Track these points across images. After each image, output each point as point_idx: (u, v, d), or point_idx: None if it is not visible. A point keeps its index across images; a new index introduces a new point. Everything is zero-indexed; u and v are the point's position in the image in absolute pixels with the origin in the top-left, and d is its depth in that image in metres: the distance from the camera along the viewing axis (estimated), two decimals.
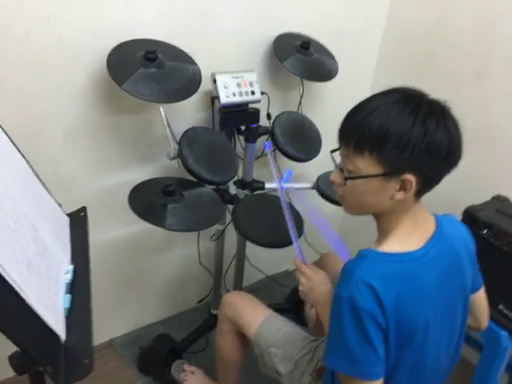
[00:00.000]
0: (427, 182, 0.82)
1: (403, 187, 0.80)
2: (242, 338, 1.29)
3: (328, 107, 1.83)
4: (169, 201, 1.17)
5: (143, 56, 1.20)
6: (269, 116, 1.59)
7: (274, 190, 1.65)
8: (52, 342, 0.75)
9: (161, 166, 1.53)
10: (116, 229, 1.57)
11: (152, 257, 1.72)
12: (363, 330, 0.79)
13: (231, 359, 1.33)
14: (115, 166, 1.45)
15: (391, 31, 1.83)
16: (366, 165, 0.80)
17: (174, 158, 1.30)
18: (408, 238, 0.86)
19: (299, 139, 1.56)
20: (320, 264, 1.51)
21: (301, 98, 1.67)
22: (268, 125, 1.58)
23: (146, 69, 1.20)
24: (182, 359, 1.60)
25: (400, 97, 0.80)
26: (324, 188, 1.61)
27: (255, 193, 1.54)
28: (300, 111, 1.68)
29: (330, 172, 1.60)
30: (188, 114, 1.49)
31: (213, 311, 1.84)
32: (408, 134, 0.76)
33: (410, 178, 0.78)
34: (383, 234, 0.88)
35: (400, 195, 0.81)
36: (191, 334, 1.76)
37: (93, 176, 1.42)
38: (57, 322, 0.77)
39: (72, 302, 0.84)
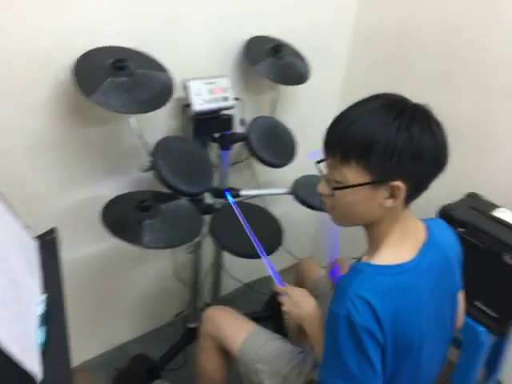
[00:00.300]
0: (416, 188, 0.80)
1: (392, 194, 0.79)
2: (225, 354, 1.25)
3: (301, 110, 1.81)
4: (144, 216, 1.11)
5: (112, 65, 1.13)
6: (242, 122, 1.55)
7: (250, 197, 1.61)
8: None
9: (133, 178, 1.46)
10: (86, 246, 1.49)
11: (125, 273, 1.64)
12: (361, 347, 0.77)
13: (214, 377, 1.27)
14: (85, 180, 1.37)
15: (360, 32, 1.83)
16: (353, 174, 0.78)
17: (147, 170, 1.24)
18: (400, 247, 0.84)
19: (275, 144, 1.53)
20: (297, 270, 1.49)
21: (274, 102, 1.64)
22: (242, 131, 1.54)
23: (115, 78, 1.13)
24: (161, 379, 1.54)
25: (383, 103, 0.78)
26: (301, 193, 1.58)
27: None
28: (273, 115, 1.65)
29: (306, 176, 1.63)
30: (159, 122, 1.43)
31: (190, 325, 1.77)
32: (393, 141, 0.75)
33: (399, 184, 0.77)
34: (374, 244, 0.86)
35: (389, 203, 0.79)
36: (169, 351, 1.70)
37: (61, 192, 1.34)
38: (31, 361, 0.70)
39: (47, 333, 0.77)
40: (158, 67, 1.23)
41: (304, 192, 1.57)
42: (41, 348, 0.74)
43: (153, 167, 1.22)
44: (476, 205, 1.44)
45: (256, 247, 1.06)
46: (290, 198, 1.63)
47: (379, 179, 0.77)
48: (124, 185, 1.45)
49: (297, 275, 1.47)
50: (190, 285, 1.66)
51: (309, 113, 1.85)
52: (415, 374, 0.89)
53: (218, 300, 1.80)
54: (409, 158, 0.75)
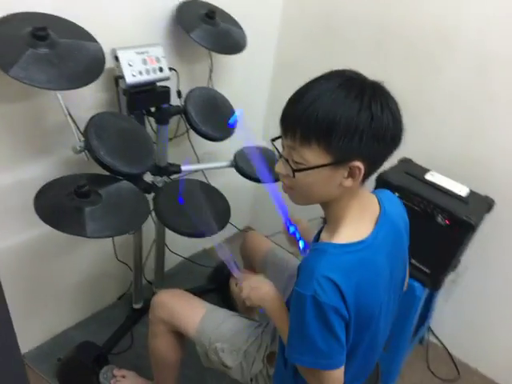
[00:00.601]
0: (373, 166, 0.81)
1: (351, 174, 0.79)
2: (179, 335, 1.22)
3: (236, 80, 1.75)
4: (85, 203, 1.02)
5: (30, 34, 1.00)
6: (179, 94, 1.47)
7: (191, 172, 1.56)
8: None
9: (61, 159, 1.34)
10: (15, 234, 1.36)
11: (60, 258, 1.53)
12: (327, 324, 0.79)
13: (169, 359, 1.25)
14: (5, 163, 1.23)
15: (292, 1, 1.78)
16: (313, 155, 0.77)
17: (80, 151, 1.13)
18: (358, 224, 0.86)
19: (214, 117, 1.47)
20: (244, 244, 1.49)
21: (210, 72, 1.57)
22: (179, 103, 1.46)
23: (36, 49, 1.00)
24: (109, 364, 1.49)
25: (341, 81, 0.76)
26: (242, 165, 1.55)
27: (173, 178, 1.43)
28: (210, 86, 1.59)
29: (246, 148, 1.61)
30: (87, 97, 1.30)
31: (135, 306, 1.72)
32: (355, 121, 0.74)
33: (359, 164, 0.77)
34: (333, 223, 0.87)
35: (348, 182, 0.80)
36: (114, 334, 1.64)
37: None
38: None
39: None
40: (85, 36, 1.11)
41: (245, 164, 1.55)
42: None
43: (87, 148, 1.12)
44: (409, 170, 1.51)
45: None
46: (228, 169, 1.60)
47: (339, 160, 0.76)
48: (51, 167, 1.32)
49: (244, 249, 1.47)
50: (135, 264, 1.59)
51: (243, 83, 1.80)
52: (374, 341, 0.93)
53: (162, 277, 1.75)
54: (370, 138, 0.75)
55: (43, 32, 1.00)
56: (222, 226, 1.28)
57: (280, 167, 0.84)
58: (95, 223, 0.98)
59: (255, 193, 2.27)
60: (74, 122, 1.14)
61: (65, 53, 1.03)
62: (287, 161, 0.81)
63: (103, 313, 1.79)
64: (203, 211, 1.33)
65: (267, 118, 2.04)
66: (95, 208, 1.02)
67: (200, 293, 1.47)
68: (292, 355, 0.86)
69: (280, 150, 0.85)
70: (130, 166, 1.15)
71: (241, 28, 1.54)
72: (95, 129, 1.13)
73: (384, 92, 0.78)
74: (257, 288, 1.02)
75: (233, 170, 1.56)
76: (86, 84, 1.05)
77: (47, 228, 1.40)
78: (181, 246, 1.98)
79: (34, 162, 1.27)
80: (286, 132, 0.80)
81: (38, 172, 1.28)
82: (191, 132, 1.48)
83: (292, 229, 1.15)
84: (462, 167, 1.52)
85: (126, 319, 1.71)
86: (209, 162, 1.71)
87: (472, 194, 1.44)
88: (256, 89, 1.93)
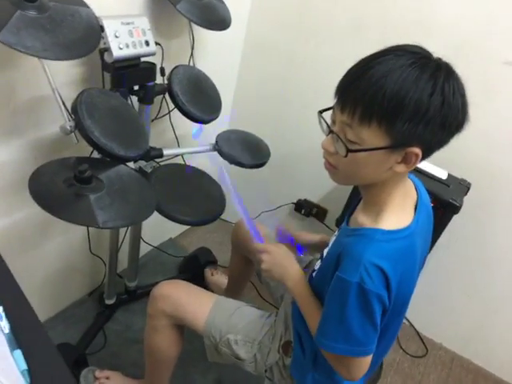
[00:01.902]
0: (428, 154, 0.76)
1: (406, 160, 0.75)
2: (180, 329, 1.15)
3: (210, 57, 1.65)
4: (87, 190, 0.90)
5: None
6: (162, 71, 1.36)
7: (174, 156, 1.46)
8: None
9: (32, 140, 1.18)
10: None
11: (24, 253, 1.36)
12: (369, 312, 0.77)
13: (169, 355, 1.18)
14: None
15: None
16: (371, 136, 0.72)
17: (71, 132, 1.00)
18: (402, 210, 0.84)
19: (200, 97, 1.38)
20: (235, 234, 1.44)
21: (192, 48, 1.47)
22: (162, 82, 1.35)
23: (24, 11, 0.85)
24: (89, 366, 1.37)
25: (414, 59, 0.70)
26: (225, 149, 1.48)
27: (162, 163, 1.32)
28: (192, 63, 1.49)
29: (228, 131, 1.54)
30: (63, 70, 1.16)
31: (107, 301, 1.60)
32: (426, 105, 0.68)
33: (417, 151, 0.73)
34: (375, 206, 0.83)
35: (400, 168, 0.76)
36: (87, 333, 1.52)
37: None
38: None
39: (26, 358, 0.58)
40: (75, 0, 0.97)
41: (228, 148, 1.48)
42: (26, 379, 0.56)
43: (79, 128, 0.99)
44: None
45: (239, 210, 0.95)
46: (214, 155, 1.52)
47: (398, 144, 0.72)
48: (21, 149, 1.16)
49: (235, 237, 1.41)
50: (110, 257, 1.46)
51: (215, 60, 1.71)
52: (399, 326, 0.94)
53: (137, 270, 1.64)
54: (437, 125, 0.70)
55: None
56: (220, 211, 1.22)
57: (328, 144, 0.78)
58: (104, 212, 0.87)
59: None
60: (61, 98, 1.00)
61: (57, 18, 0.90)
62: (338, 138, 0.76)
63: (69, 310, 1.63)
64: (199, 197, 1.25)
65: (236, 94, 1.97)
66: (100, 195, 0.91)
67: None
68: (324, 342, 0.83)
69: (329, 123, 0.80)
70: (126, 148, 1.04)
71: (223, 2, 1.45)
72: (86, 107, 1.00)
73: (455, 75, 0.73)
74: (280, 265, 0.97)
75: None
76: (85, 54, 0.92)
77: (11, 220, 1.25)
78: (148, 235, 1.86)
79: (2, 144, 1.11)
80: (343, 107, 0.73)
81: (7, 155, 1.12)
82: (177, 115, 1.38)
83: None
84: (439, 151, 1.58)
85: (97, 316, 1.58)
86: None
87: (450, 177, 1.51)
88: (227, 67, 1.85)
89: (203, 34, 1.55)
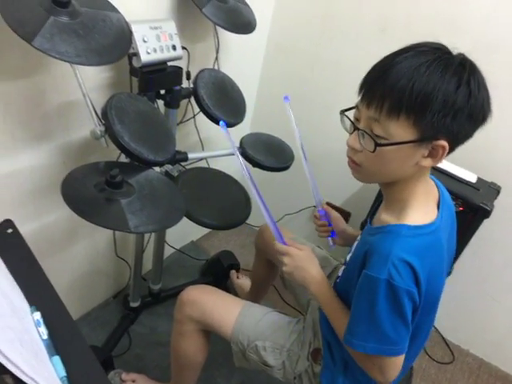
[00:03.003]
0: (454, 147, 0.77)
1: (432, 153, 0.75)
2: (207, 335, 1.15)
3: (233, 59, 1.65)
4: (118, 195, 0.91)
5: None
6: (188, 75, 1.36)
7: (198, 160, 1.46)
8: None
9: (61, 144, 1.19)
10: None
11: (52, 256, 1.38)
12: (400, 309, 0.76)
13: (195, 361, 1.17)
14: (1, 150, 1.07)
15: None
16: (399, 130, 0.72)
17: (101, 137, 1.01)
18: (426, 206, 0.83)
19: (225, 101, 1.38)
20: (259, 238, 1.43)
21: (216, 52, 1.47)
22: (188, 85, 1.35)
23: (57, 17, 0.86)
24: (115, 369, 1.37)
25: (439, 54, 0.72)
26: (249, 152, 1.48)
27: (188, 167, 1.33)
28: (216, 67, 1.49)
29: (252, 134, 1.53)
30: (92, 74, 1.16)
31: (132, 304, 1.60)
32: (453, 97, 0.69)
33: (444, 144, 0.73)
34: (397, 204, 0.83)
35: (427, 162, 0.76)
36: (112, 335, 1.52)
37: None
38: None
39: (65, 364, 0.58)
40: (105, 5, 0.98)
41: (252, 151, 1.48)
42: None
43: (109, 133, 0.99)
44: None
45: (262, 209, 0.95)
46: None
47: (426, 137, 0.72)
48: (51, 153, 1.18)
49: (259, 241, 1.41)
50: (135, 260, 1.47)
51: (239, 62, 1.70)
52: (430, 325, 0.92)
53: (161, 273, 1.64)
54: (465, 116, 0.71)
55: None
56: (246, 215, 1.21)
57: (354, 141, 0.79)
58: (136, 217, 0.87)
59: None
60: (91, 103, 1.00)
61: (89, 23, 0.90)
62: (365, 134, 0.76)
63: (94, 312, 1.65)
64: (225, 201, 1.25)
65: (259, 95, 1.97)
66: (131, 200, 0.91)
67: None
68: (355, 342, 0.81)
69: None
70: (154, 153, 1.04)
71: (248, 5, 1.45)
72: (116, 112, 1.01)
73: (478, 71, 0.74)
74: (302, 268, 0.96)
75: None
76: (116, 59, 0.92)
77: (40, 223, 1.26)
78: (170, 238, 1.87)
79: (31, 149, 1.12)
80: (370, 102, 0.74)
81: (37, 159, 1.14)
82: (203, 119, 1.38)
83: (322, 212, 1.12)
84: (467, 154, 1.55)
85: (122, 319, 1.59)
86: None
87: (480, 180, 1.48)
88: (249, 69, 1.85)
89: (227, 37, 1.55)
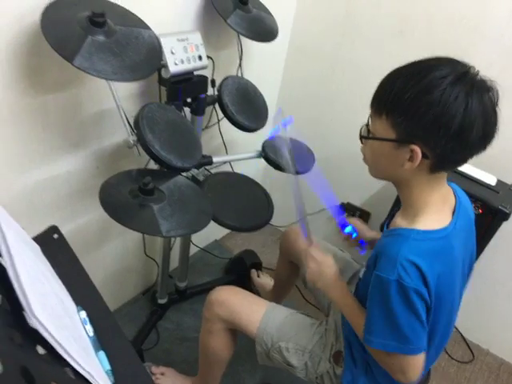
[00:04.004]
0: (439, 159, 0.79)
1: (412, 158, 0.80)
2: (233, 332, 1.21)
3: (255, 64, 1.70)
4: (150, 201, 0.97)
5: (88, 19, 0.92)
6: (213, 83, 1.42)
7: (222, 163, 1.52)
8: None
9: (95, 151, 1.27)
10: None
11: (87, 254, 1.46)
12: (412, 308, 0.80)
13: (221, 357, 1.24)
14: (41, 157, 1.15)
15: None
16: (381, 127, 0.81)
17: (134, 145, 1.08)
18: (439, 213, 0.87)
19: (248, 107, 1.44)
20: (284, 241, 1.48)
21: (240, 59, 1.52)
22: (213, 93, 1.41)
23: (94, 36, 0.93)
24: (145, 362, 1.45)
25: (446, 70, 0.75)
26: (271, 155, 1.53)
27: (213, 171, 1.39)
28: (240, 74, 1.54)
29: (274, 138, 1.58)
30: (123, 85, 1.23)
31: (160, 301, 1.68)
32: (423, 106, 0.74)
33: (416, 148, 0.78)
34: (411, 209, 0.87)
35: (408, 165, 0.81)
36: (142, 330, 1.60)
37: (17, 173, 1.11)
38: None
39: (109, 359, 0.65)
40: (138, 23, 1.04)
41: (274, 154, 1.53)
42: (110, 379, 0.62)
43: (141, 142, 1.06)
44: None
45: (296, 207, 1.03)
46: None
47: (401, 139, 0.79)
48: (86, 159, 1.25)
49: (284, 246, 1.46)
50: (163, 259, 1.55)
51: (260, 67, 1.75)
52: (447, 330, 0.96)
53: (187, 271, 1.72)
54: (429, 123, 0.75)
55: (101, 18, 0.93)
56: (269, 218, 1.27)
57: (360, 134, 0.89)
58: (166, 222, 0.94)
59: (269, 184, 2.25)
60: (124, 114, 1.07)
61: (123, 41, 0.97)
62: (365, 128, 0.86)
63: (124, 308, 1.73)
64: (249, 204, 1.31)
65: (280, 98, 2.01)
66: (162, 206, 0.97)
67: (221, 285, 1.45)
68: (374, 340, 0.86)
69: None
70: (182, 160, 1.11)
71: (271, 14, 1.50)
72: (147, 121, 1.07)
73: (485, 98, 0.76)
74: (325, 275, 1.01)
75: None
76: (148, 75, 0.99)
77: (75, 224, 1.34)
78: (195, 238, 1.94)
79: (68, 156, 1.20)
80: (372, 100, 0.84)
81: (73, 164, 1.22)
82: (226, 124, 1.43)
83: (349, 228, 1.16)
84: (487, 157, 1.56)
85: (150, 314, 1.67)
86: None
87: (499, 182, 1.49)
88: (271, 73, 1.90)
89: (250, 44, 1.60)
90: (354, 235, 1.16)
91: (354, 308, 0.97)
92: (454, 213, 0.89)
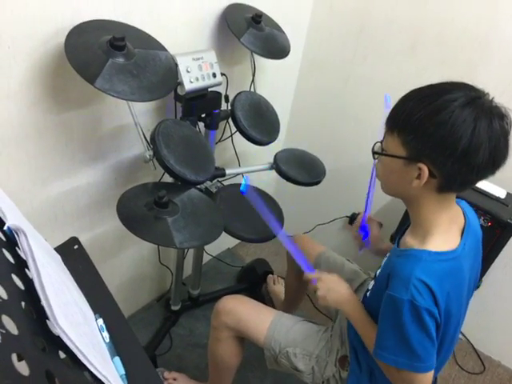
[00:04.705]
0: (447, 179, 0.82)
1: (419, 176, 0.83)
2: (241, 340, 1.25)
3: (268, 79, 1.75)
4: (164, 213, 1.03)
5: (109, 43, 0.98)
6: (227, 98, 1.47)
7: (235, 175, 1.57)
8: None
9: (113, 163, 1.33)
10: (63, 240, 1.34)
11: (104, 262, 1.53)
12: (424, 327, 0.83)
13: (231, 364, 1.28)
14: (63, 171, 1.21)
15: (319, 4, 1.79)
16: (393, 145, 0.85)
17: (150, 160, 1.13)
18: (448, 234, 0.90)
19: (260, 121, 1.48)
20: None
21: (253, 75, 1.58)
22: (225, 108, 1.46)
23: (114, 59, 0.99)
24: (158, 367, 1.50)
25: (458, 94, 0.78)
26: (283, 168, 1.57)
27: (225, 183, 1.44)
28: (253, 89, 1.59)
29: (285, 150, 1.62)
30: (144, 103, 1.29)
31: (173, 307, 1.73)
32: (427, 123, 0.78)
33: (423, 167, 0.81)
34: (421, 228, 0.90)
35: (416, 183, 0.84)
36: (156, 336, 1.65)
37: (39, 186, 1.17)
38: None
39: (124, 364, 0.70)
40: (155, 45, 1.10)
41: (286, 167, 1.57)
42: (125, 382, 0.67)
43: (156, 157, 1.12)
44: None
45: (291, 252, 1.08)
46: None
47: (410, 157, 0.82)
48: (104, 171, 1.32)
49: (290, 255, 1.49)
50: (177, 267, 1.60)
51: (273, 82, 1.80)
52: (455, 335, 0.98)
53: (200, 279, 1.76)
54: (435, 144, 0.79)
55: (122, 42, 0.99)
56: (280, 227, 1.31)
57: (375, 148, 0.93)
58: (180, 234, 0.99)
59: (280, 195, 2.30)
60: (141, 130, 1.13)
61: (141, 63, 1.02)
62: (380, 145, 0.91)
63: (139, 314, 1.79)
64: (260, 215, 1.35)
65: (292, 111, 2.06)
66: (176, 218, 1.03)
67: (233, 292, 1.50)
68: (386, 356, 0.89)
69: None
70: (196, 173, 1.16)
71: (283, 32, 1.55)
72: (163, 137, 1.13)
73: (495, 126, 0.78)
74: (333, 290, 1.04)
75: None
76: (165, 95, 1.04)
77: (93, 233, 1.41)
78: (208, 246, 1.99)
79: (88, 169, 1.26)
80: (387, 119, 0.87)
81: (93, 177, 1.29)
82: (239, 138, 1.49)
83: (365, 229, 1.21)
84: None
85: (164, 321, 1.72)
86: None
87: (509, 195, 1.51)
88: (284, 88, 1.94)
89: (263, 61, 1.65)
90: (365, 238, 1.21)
91: (367, 323, 1.00)
92: (462, 233, 0.92)
